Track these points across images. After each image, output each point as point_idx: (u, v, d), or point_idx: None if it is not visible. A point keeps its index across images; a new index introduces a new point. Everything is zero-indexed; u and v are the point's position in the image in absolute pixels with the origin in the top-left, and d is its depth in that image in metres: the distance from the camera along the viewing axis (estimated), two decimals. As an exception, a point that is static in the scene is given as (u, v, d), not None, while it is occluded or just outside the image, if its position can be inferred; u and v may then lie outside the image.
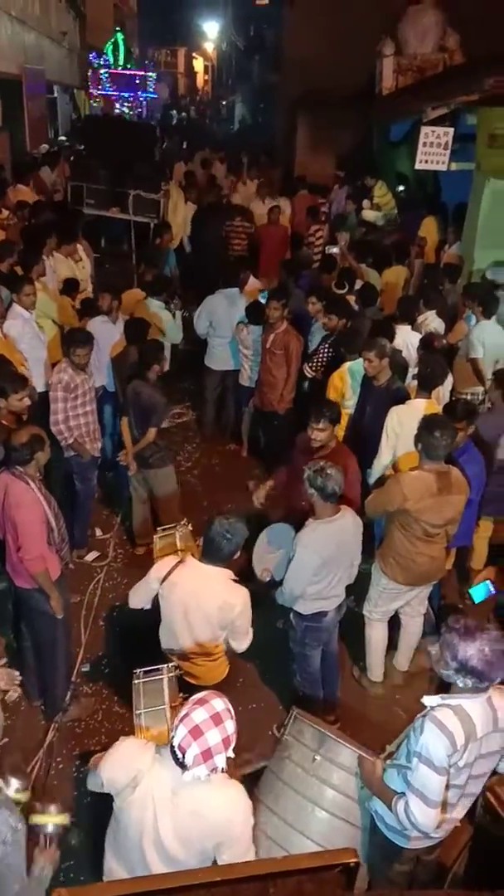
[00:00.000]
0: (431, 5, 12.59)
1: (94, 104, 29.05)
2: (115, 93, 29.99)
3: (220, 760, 2.39)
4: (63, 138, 20.72)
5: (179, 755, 2.38)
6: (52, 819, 2.54)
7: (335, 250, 9.46)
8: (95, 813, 3.08)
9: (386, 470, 5.16)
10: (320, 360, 6.63)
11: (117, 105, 30.14)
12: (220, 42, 41.62)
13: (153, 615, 3.87)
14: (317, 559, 3.96)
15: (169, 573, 3.63)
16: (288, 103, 16.75)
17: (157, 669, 3.45)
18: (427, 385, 5.23)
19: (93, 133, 13.53)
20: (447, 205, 10.71)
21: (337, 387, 5.93)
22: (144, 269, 8.89)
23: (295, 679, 4.54)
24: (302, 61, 15.34)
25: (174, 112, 37.11)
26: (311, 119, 15.75)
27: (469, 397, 6.49)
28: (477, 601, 4.21)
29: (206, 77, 51.15)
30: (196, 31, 44.47)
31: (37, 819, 2.53)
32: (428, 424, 4.25)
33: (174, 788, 2.45)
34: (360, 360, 5.54)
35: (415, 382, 5.52)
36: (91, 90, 28.83)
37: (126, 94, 30.18)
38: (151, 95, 32.45)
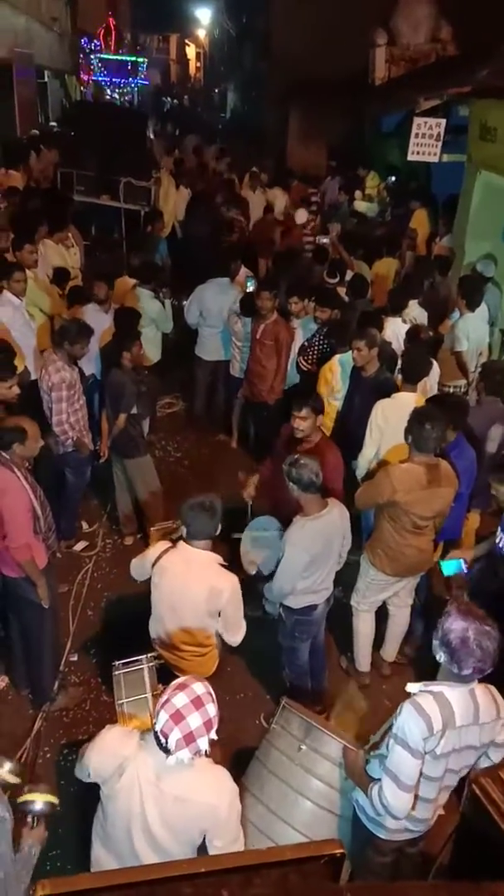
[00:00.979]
0: (425, -5, 12.59)
1: (85, 90, 28.79)
2: (106, 79, 29.77)
3: (203, 743, 2.40)
4: (54, 124, 20.53)
5: (162, 740, 2.39)
6: (40, 797, 2.54)
7: (326, 241, 9.45)
8: (83, 802, 3.08)
9: (371, 464, 5.16)
10: (314, 352, 6.62)
11: (108, 91, 29.92)
12: (213, 29, 41.26)
13: (141, 605, 3.88)
14: (306, 557, 3.96)
15: (159, 557, 3.65)
16: (278, 92, 16.66)
17: (137, 660, 3.46)
18: (412, 377, 5.24)
19: (83, 119, 13.44)
20: (438, 196, 10.70)
21: (327, 379, 5.92)
22: (130, 254, 8.77)
23: (284, 671, 4.55)
24: (291, 50, 15.27)
25: (166, 98, 36.85)
26: (303, 109, 15.69)
27: (452, 390, 6.51)
28: (445, 573, 4.24)
29: (198, 64, 50.75)
30: (188, 18, 44.03)
31: (25, 797, 2.53)
32: (419, 417, 4.25)
33: (159, 773, 2.46)
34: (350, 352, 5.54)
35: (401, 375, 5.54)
36: (82, 75, 28.58)
37: (117, 80, 29.96)
38: (143, 82, 32.23)
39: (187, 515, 3.57)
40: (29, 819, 2.52)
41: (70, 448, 5.55)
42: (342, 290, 7.39)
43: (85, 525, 6.31)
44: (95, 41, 29.43)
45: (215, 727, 2.44)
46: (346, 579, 4.98)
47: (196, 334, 7.76)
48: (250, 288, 7.04)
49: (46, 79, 21.95)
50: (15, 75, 17.13)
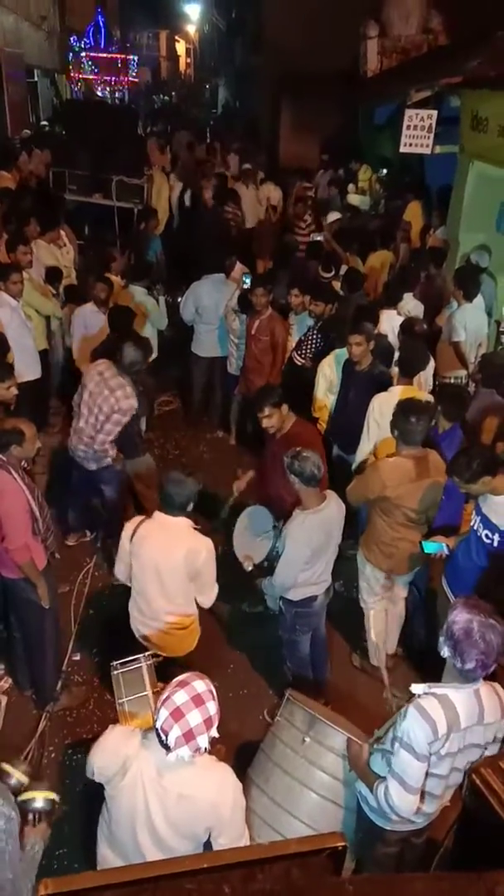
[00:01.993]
0: (415, -14, 12.55)
1: (75, 88, 28.71)
2: (96, 77, 29.69)
3: (203, 741, 2.41)
4: (45, 123, 20.48)
5: (163, 737, 2.40)
6: (40, 794, 2.55)
7: (320, 238, 9.45)
8: (89, 801, 3.09)
9: (369, 459, 5.16)
10: (309, 347, 6.62)
11: (99, 89, 29.84)
12: (202, 24, 41.11)
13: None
14: (307, 551, 3.97)
15: (136, 528, 3.81)
16: (270, 86, 16.62)
17: (135, 659, 3.47)
18: (408, 371, 5.24)
19: (74, 118, 13.40)
20: (432, 188, 10.68)
21: (326, 374, 5.93)
22: (118, 252, 8.66)
23: (285, 665, 4.56)
24: (283, 43, 15.22)
25: (157, 96, 36.70)
26: (295, 102, 15.64)
27: (452, 381, 6.51)
28: (426, 552, 4.25)
29: (189, 60, 50.57)
30: (178, 14, 43.87)
31: (25, 795, 2.54)
32: (404, 410, 4.25)
33: (160, 770, 2.47)
34: (347, 346, 5.54)
35: (397, 368, 5.54)
36: (72, 74, 28.49)
37: (107, 78, 29.88)
38: (133, 79, 32.14)
39: (163, 487, 3.79)
40: (30, 817, 2.53)
41: (105, 464, 5.44)
42: (337, 284, 7.38)
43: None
44: (85, 39, 29.33)
45: (216, 725, 2.45)
46: (345, 573, 5.00)
47: (191, 331, 7.75)
48: (247, 284, 7.04)
49: (36, 78, 21.88)
50: (4, 75, 17.09)
